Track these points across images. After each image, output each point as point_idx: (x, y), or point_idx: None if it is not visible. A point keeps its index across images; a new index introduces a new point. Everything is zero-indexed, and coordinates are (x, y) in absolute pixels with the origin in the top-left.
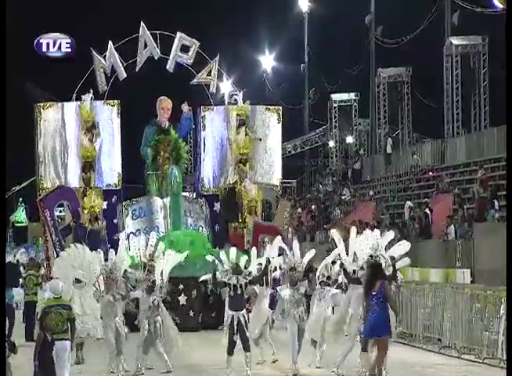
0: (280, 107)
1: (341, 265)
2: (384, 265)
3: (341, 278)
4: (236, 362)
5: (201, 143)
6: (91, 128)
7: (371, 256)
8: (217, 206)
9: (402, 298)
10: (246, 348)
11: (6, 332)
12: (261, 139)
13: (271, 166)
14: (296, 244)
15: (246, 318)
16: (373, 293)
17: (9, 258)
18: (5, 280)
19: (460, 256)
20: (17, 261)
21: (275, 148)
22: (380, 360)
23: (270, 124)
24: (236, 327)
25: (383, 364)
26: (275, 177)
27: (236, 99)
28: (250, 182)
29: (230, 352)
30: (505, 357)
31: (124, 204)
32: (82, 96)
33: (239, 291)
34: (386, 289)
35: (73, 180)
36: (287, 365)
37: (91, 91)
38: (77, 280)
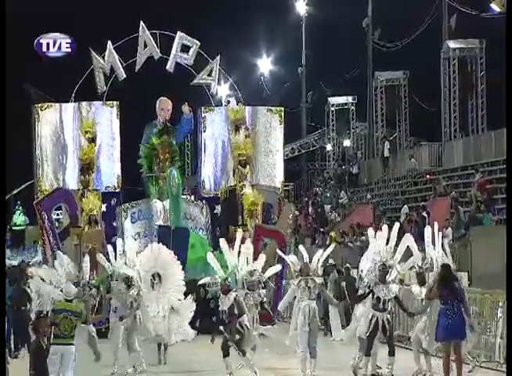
0: (282, 108)
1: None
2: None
3: None
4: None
5: (202, 145)
6: (89, 130)
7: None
8: (217, 209)
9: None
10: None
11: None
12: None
13: (273, 168)
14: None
15: None
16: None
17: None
18: (5, 280)
19: (457, 259)
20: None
21: (278, 150)
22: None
23: (272, 125)
24: None
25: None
26: (278, 179)
27: (228, 101)
28: (250, 185)
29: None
30: (502, 360)
31: (123, 206)
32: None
33: None
34: (463, 290)
35: (72, 182)
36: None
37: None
38: (159, 277)
